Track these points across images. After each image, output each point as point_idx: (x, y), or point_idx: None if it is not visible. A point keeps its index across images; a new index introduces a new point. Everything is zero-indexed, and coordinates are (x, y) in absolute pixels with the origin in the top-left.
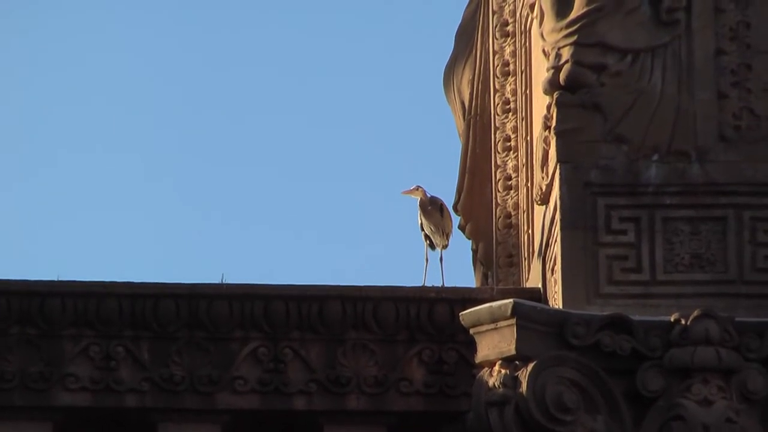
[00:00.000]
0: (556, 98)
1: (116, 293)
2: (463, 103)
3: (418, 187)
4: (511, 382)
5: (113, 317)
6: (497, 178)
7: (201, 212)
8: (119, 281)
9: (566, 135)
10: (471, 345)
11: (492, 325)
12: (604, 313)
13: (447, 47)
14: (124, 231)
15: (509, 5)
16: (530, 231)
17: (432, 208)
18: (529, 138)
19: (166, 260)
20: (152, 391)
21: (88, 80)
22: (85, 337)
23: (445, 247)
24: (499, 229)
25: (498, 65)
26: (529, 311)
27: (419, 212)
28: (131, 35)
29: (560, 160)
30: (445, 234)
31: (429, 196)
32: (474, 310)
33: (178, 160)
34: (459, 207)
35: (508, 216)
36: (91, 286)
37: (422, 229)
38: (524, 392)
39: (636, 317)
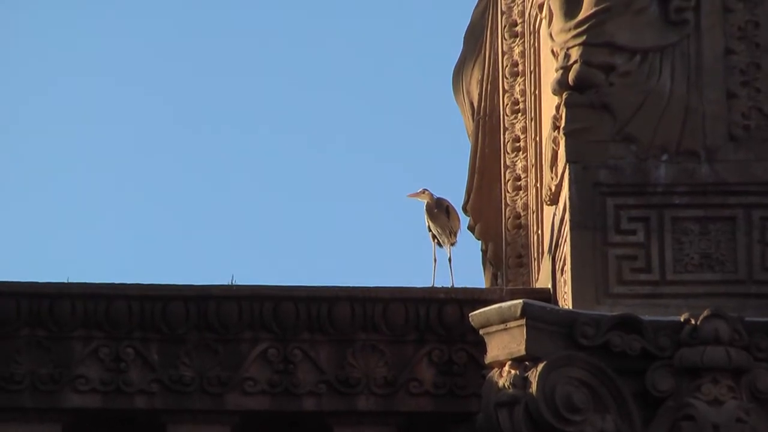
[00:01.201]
0: (565, 98)
1: (125, 295)
2: (472, 104)
3: (425, 190)
4: (521, 382)
5: (122, 319)
6: (506, 178)
7: (210, 214)
8: (128, 283)
9: (575, 135)
10: (481, 345)
11: (501, 326)
12: (614, 313)
13: (456, 48)
14: (134, 233)
15: (518, 6)
16: (540, 231)
17: (438, 210)
18: (538, 138)
19: (175, 262)
20: (162, 393)
21: (95, 82)
22: (94, 339)
23: (453, 244)
24: (508, 230)
25: (507, 66)
26: (539, 311)
27: (426, 216)
28: (132, 31)
29: (569, 160)
30: (453, 233)
31: (435, 198)
32: (483, 311)
33: (188, 162)
34: (468, 207)
35: (518, 216)
36: (101, 288)
37: (429, 230)
38: (534, 392)
39: (645, 317)
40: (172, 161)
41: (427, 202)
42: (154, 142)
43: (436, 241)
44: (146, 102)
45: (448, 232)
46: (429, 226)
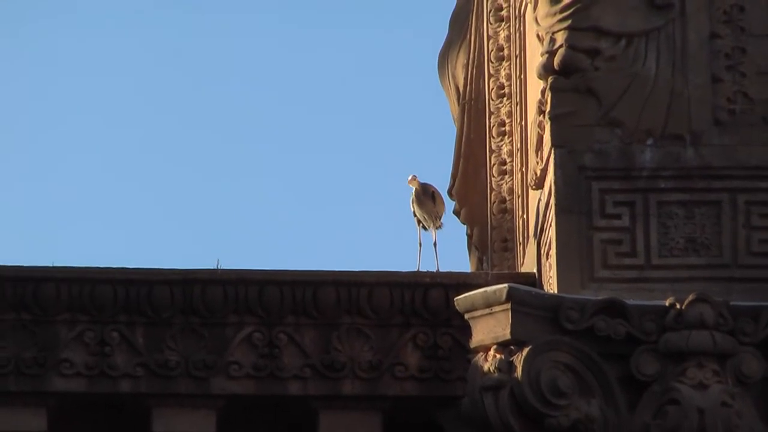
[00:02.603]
0: (551, 83)
1: (111, 279)
2: (457, 88)
3: (414, 177)
4: (506, 366)
5: (108, 303)
6: (492, 162)
7: (196, 198)
8: (114, 267)
9: (561, 119)
10: (466, 330)
11: (487, 310)
12: (599, 298)
13: (441, 32)
14: (119, 217)
15: None
16: (525, 215)
17: (425, 196)
18: (523, 123)
19: (160, 246)
20: (147, 377)
21: (74, 69)
22: (79, 323)
23: (438, 227)
24: (493, 214)
25: (492, 50)
26: (524, 296)
27: (412, 202)
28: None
29: (555, 144)
30: (438, 217)
31: (421, 184)
32: (469, 295)
33: (173, 146)
34: (454, 192)
35: (503, 201)
36: (86, 271)
37: (414, 216)
38: (519, 377)
39: (630, 301)
40: (157, 146)
41: (416, 189)
42: (139, 128)
43: (421, 225)
44: (127, 87)
45: (433, 217)
46: (414, 212)
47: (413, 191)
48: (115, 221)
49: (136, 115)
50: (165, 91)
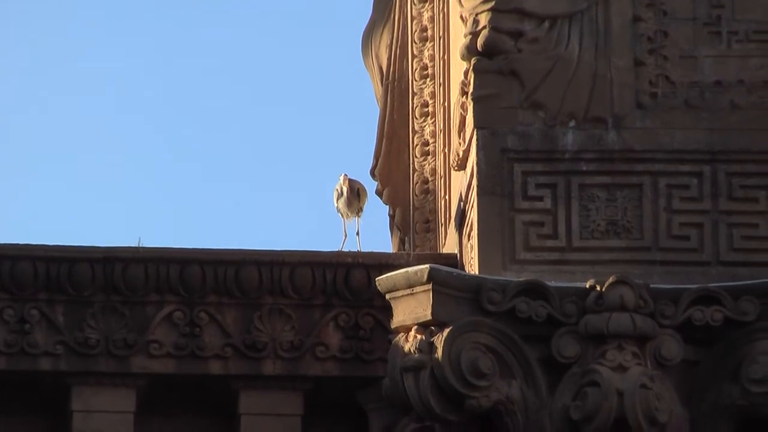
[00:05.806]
0: (474, 64)
1: (31, 256)
2: (381, 69)
3: (345, 176)
4: (427, 347)
5: (28, 280)
6: (415, 143)
7: (118, 175)
8: (34, 244)
9: (483, 101)
10: (387, 310)
11: (408, 291)
12: (520, 279)
13: (365, 12)
14: (41, 193)
15: None
16: (447, 197)
17: (352, 196)
18: (446, 104)
19: (82, 223)
20: (67, 355)
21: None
22: None
23: (359, 216)
24: (416, 195)
25: (416, 31)
26: (445, 277)
27: (339, 200)
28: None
29: (477, 126)
30: (360, 209)
31: (349, 181)
32: (390, 276)
33: (97, 126)
34: (376, 172)
35: (426, 182)
36: (6, 248)
37: (339, 211)
38: (440, 358)
39: (552, 283)
40: (80, 125)
41: (344, 189)
42: (63, 108)
43: (344, 219)
44: (54, 63)
45: (356, 212)
46: (338, 208)
47: (340, 189)
48: (37, 198)
49: (61, 94)
50: (88, 65)
